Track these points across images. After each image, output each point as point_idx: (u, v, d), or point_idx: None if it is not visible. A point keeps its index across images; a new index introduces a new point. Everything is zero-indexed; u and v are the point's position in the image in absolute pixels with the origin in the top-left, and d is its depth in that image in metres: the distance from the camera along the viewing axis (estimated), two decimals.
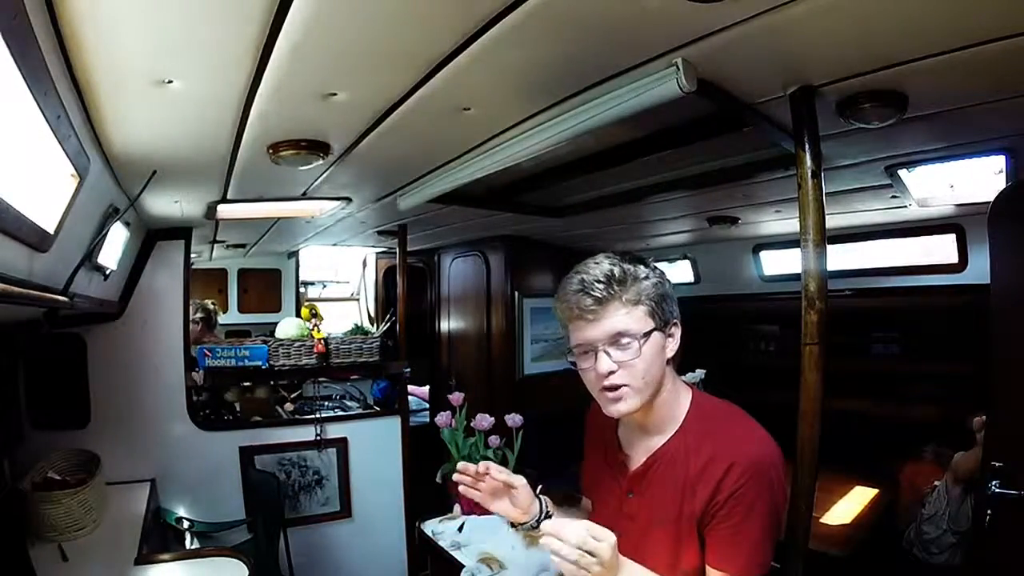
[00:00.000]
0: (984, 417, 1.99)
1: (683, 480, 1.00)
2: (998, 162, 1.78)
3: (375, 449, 3.12)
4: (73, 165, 1.20)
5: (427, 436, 2.69)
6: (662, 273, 1.04)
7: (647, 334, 0.98)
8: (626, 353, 0.97)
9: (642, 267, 1.01)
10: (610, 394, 0.99)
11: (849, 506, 2.76)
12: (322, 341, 2.90)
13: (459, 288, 4.18)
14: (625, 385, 0.98)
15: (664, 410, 1.05)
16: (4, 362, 2.18)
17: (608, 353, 0.98)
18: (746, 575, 0.95)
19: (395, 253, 3.46)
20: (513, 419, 1.98)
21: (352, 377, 3.52)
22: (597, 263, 1.00)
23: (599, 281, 0.97)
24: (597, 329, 0.98)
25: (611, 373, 0.98)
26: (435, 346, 4.40)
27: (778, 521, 0.97)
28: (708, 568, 0.98)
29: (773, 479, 0.95)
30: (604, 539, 0.86)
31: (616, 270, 0.98)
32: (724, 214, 2.82)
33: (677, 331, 1.05)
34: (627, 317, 0.97)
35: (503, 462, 1.91)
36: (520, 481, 1.12)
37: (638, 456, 1.09)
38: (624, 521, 1.08)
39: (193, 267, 3.06)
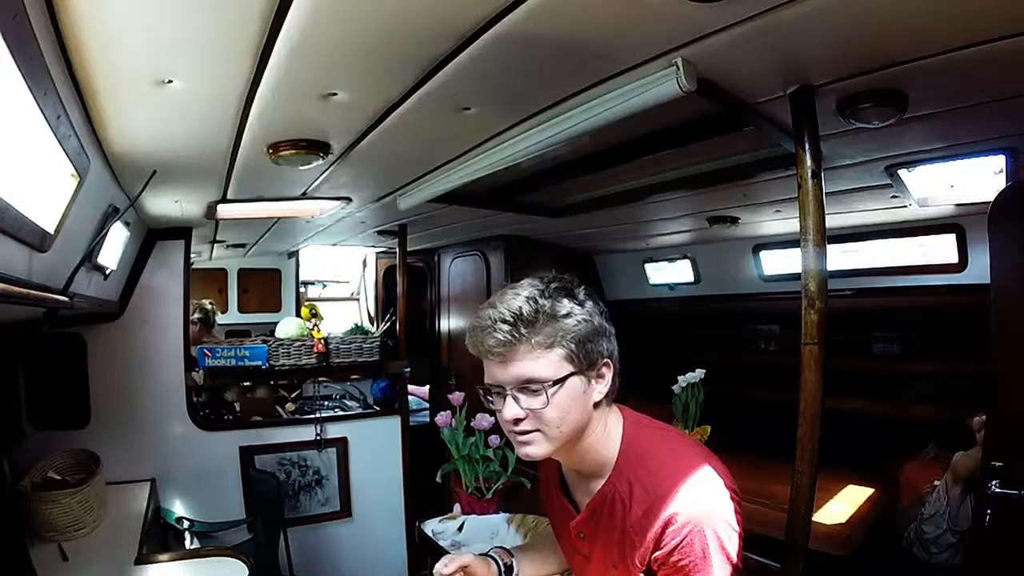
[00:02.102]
0: (984, 417, 1.99)
1: (623, 526, 0.94)
2: (998, 162, 1.78)
3: (375, 449, 3.12)
4: (73, 165, 1.20)
5: (427, 436, 2.69)
6: (593, 306, 0.93)
7: (561, 380, 0.88)
8: (535, 400, 0.89)
9: (566, 301, 0.90)
10: (520, 437, 0.92)
11: (849, 506, 2.76)
12: (322, 341, 2.91)
13: (459, 288, 4.17)
14: (535, 431, 0.91)
15: (592, 455, 0.97)
16: (4, 362, 2.18)
17: (516, 398, 0.90)
18: None
19: (395, 253, 3.46)
20: None
21: (352, 377, 3.51)
22: (515, 295, 0.90)
23: (505, 321, 0.87)
24: (505, 372, 0.90)
25: (519, 420, 0.90)
26: (435, 346, 4.40)
27: (733, 563, 0.88)
28: None
29: (716, 526, 0.87)
30: None
31: (527, 308, 0.87)
32: (724, 214, 2.81)
33: (608, 371, 0.95)
34: (536, 362, 0.88)
35: (503, 462, 1.92)
36: (467, 559, 1.11)
37: (582, 499, 1.04)
38: (581, 559, 1.06)
39: (193, 267, 3.06)
